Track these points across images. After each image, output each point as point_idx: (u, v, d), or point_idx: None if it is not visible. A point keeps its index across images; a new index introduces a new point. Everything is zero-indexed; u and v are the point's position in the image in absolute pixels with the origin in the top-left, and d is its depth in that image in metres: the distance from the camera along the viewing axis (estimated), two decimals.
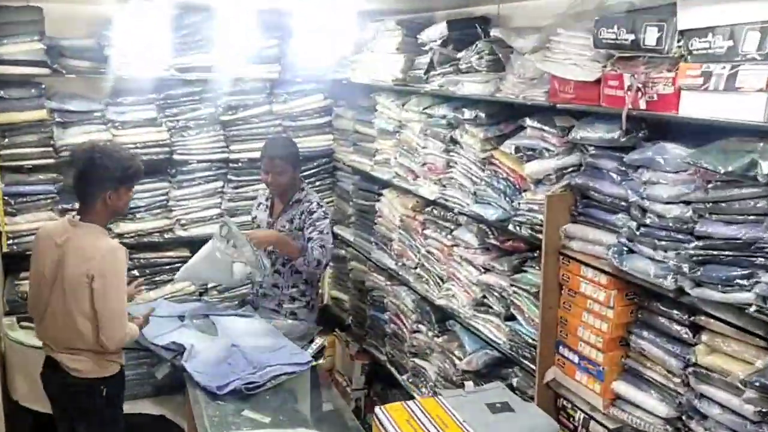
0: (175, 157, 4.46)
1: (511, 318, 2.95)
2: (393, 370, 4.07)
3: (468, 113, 3.07)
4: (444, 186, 3.39)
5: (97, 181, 2.85)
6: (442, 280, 3.50)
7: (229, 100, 4.54)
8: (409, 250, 3.81)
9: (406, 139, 3.76)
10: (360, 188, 4.44)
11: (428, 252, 3.60)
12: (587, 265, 2.43)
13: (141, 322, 3.15)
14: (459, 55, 3.18)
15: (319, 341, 3.50)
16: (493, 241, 3.05)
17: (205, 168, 4.57)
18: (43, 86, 4.11)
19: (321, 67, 4.64)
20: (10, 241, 4.09)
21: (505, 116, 3.02)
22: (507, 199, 2.87)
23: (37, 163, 4.13)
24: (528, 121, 2.73)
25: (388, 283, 4.09)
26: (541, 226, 2.64)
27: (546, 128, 2.64)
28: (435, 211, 3.50)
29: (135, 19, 4.02)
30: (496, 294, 3.02)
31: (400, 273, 3.93)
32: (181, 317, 3.79)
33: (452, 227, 3.38)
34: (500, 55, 2.86)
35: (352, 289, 4.70)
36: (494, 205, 2.96)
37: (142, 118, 4.36)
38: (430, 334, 3.63)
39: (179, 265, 4.60)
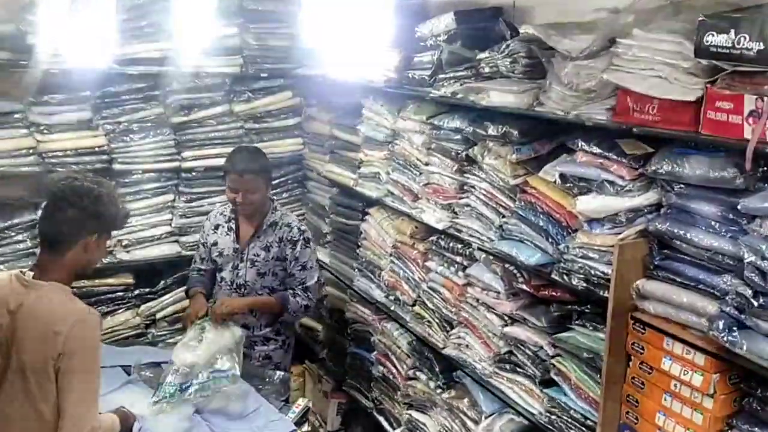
0: (116, 166, 3.72)
1: (549, 383, 2.41)
2: (382, 419, 3.49)
3: (493, 128, 2.49)
4: (455, 213, 2.80)
5: (84, 221, 2.13)
6: (450, 324, 2.92)
7: (181, 99, 3.82)
8: (404, 283, 3.21)
9: (402, 153, 3.15)
10: (339, 204, 3.80)
11: (431, 289, 3.01)
12: (675, 337, 1.89)
13: (122, 411, 2.46)
14: (481, 56, 2.58)
15: (301, 403, 2.86)
16: (523, 287, 2.48)
17: (152, 179, 3.85)
18: None
19: (290, 60, 3.97)
20: None
21: (540, 133, 2.45)
22: (550, 239, 2.30)
23: None
24: (581, 144, 2.17)
25: (375, 317, 3.49)
26: (601, 278, 2.09)
27: (610, 155, 2.08)
28: (442, 242, 2.92)
29: (66, 1, 3.24)
30: (528, 353, 2.47)
31: (391, 308, 3.34)
32: (127, 369, 3.09)
33: (465, 263, 2.80)
34: (543, 59, 2.28)
35: (327, 318, 4.07)
36: (529, 244, 2.40)
37: (75, 119, 3.61)
38: (432, 385, 3.06)
39: (121, 294, 3.91)
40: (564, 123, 2.25)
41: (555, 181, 2.28)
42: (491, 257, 2.59)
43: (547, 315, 2.40)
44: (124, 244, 3.82)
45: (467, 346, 2.79)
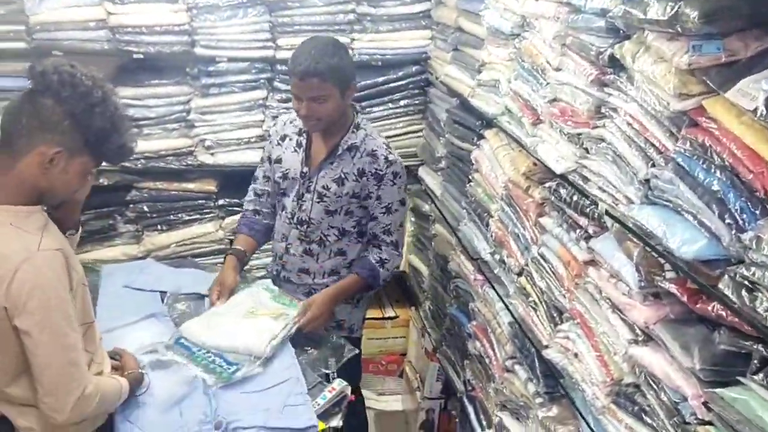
0: (198, 50, 3.09)
1: None
2: (470, 408, 2.66)
3: (657, 7, 1.40)
4: (586, 150, 1.78)
5: (52, 120, 1.52)
6: (560, 314, 1.96)
7: None
8: (512, 240, 2.26)
9: (530, 51, 2.11)
10: (455, 120, 2.86)
11: (542, 256, 2.04)
12: None
13: (135, 374, 1.90)
14: None
15: (337, 387, 2.07)
16: (672, 288, 1.44)
17: (241, 69, 3.18)
18: None
19: None
20: None
21: (744, 18, 1.33)
22: (727, 218, 1.24)
23: (4, 47, 2.94)
24: None
25: (478, 278, 2.59)
26: None
27: None
28: (563, 192, 1.91)
29: None
30: (664, 399, 1.46)
31: (495, 270, 2.41)
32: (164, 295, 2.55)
33: (591, 230, 1.79)
34: None
35: (433, 263, 3.24)
36: (690, 219, 1.34)
37: None
38: (531, 389, 2.14)
39: (203, 202, 3.38)
40: None
41: (756, 110, 1.18)
42: (624, 228, 1.55)
43: (706, 346, 1.36)
44: (206, 145, 3.25)
45: (576, 355, 1.82)
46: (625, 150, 1.56)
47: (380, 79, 3.25)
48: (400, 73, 3.30)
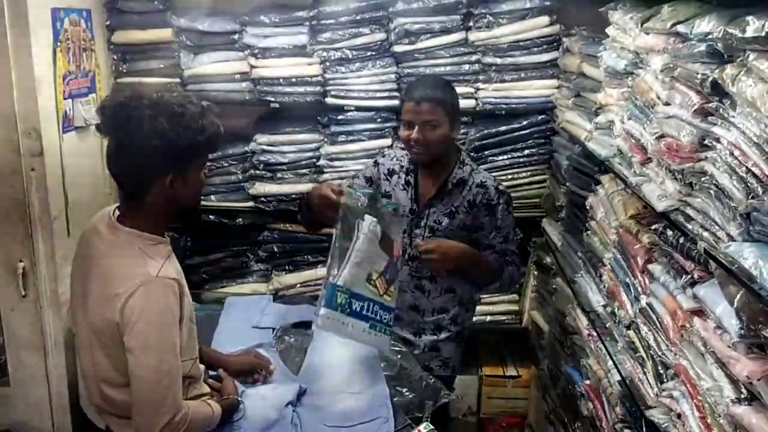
0: (329, 100, 3.25)
1: None
2: None
3: (756, 25, 1.27)
4: (690, 186, 1.62)
5: (150, 160, 1.65)
6: (666, 369, 1.76)
7: (406, 23, 3.14)
8: (623, 290, 2.09)
9: (641, 87, 1.99)
10: (575, 167, 2.74)
11: (650, 306, 1.86)
12: None
13: (231, 400, 1.96)
14: None
15: (422, 430, 1.99)
16: None
17: (367, 118, 3.28)
18: None
19: None
20: None
21: None
22: None
23: None
24: None
25: (592, 334, 2.42)
26: None
27: None
28: (669, 234, 1.74)
29: None
30: None
31: (607, 324, 2.24)
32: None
33: (697, 275, 1.61)
34: None
35: (553, 319, 3.07)
36: None
37: (290, 44, 3.20)
38: None
39: (326, 245, 3.48)
40: None
41: None
42: (724, 273, 1.38)
43: None
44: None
45: (679, 416, 1.62)
46: (725, 182, 1.40)
47: (503, 128, 3.22)
48: (525, 122, 3.24)
